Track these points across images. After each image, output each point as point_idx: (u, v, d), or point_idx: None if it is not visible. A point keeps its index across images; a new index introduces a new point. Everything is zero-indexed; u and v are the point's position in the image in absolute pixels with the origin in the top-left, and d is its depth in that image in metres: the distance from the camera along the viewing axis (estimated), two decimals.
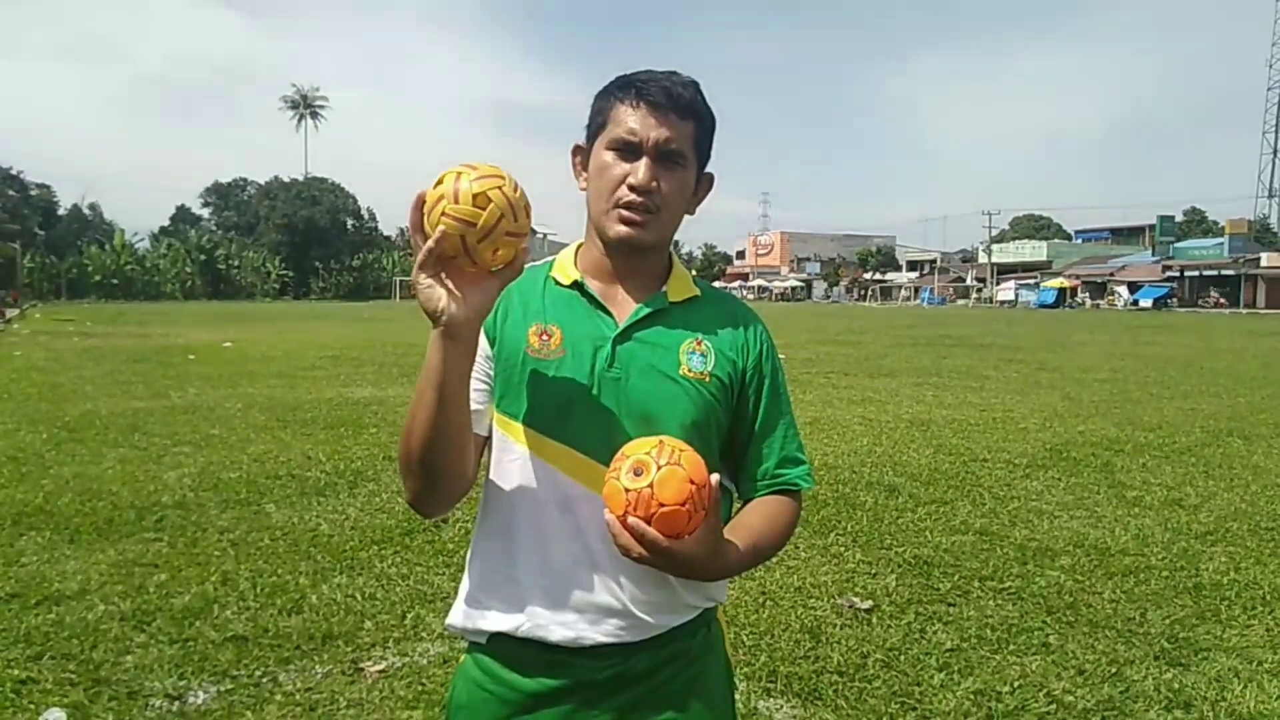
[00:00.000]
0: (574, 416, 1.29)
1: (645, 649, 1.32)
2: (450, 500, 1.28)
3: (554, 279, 1.38)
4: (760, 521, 1.34)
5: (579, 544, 1.28)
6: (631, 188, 1.27)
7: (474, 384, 1.29)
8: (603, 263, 1.36)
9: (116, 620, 3.71)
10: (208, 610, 3.83)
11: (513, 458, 1.31)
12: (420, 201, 1.14)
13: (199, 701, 3.06)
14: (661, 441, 1.16)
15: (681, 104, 1.29)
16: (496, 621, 1.32)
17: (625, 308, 1.35)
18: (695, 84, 1.32)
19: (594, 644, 1.29)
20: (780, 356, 1.47)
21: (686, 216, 1.39)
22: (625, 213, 1.29)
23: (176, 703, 3.05)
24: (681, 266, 1.43)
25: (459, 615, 1.37)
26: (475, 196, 1.10)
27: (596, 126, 1.33)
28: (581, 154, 1.37)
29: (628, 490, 1.12)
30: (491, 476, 1.34)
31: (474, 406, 1.29)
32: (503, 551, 1.32)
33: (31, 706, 2.99)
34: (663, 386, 1.30)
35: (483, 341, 1.32)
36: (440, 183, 1.13)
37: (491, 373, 1.33)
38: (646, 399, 1.30)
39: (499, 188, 1.12)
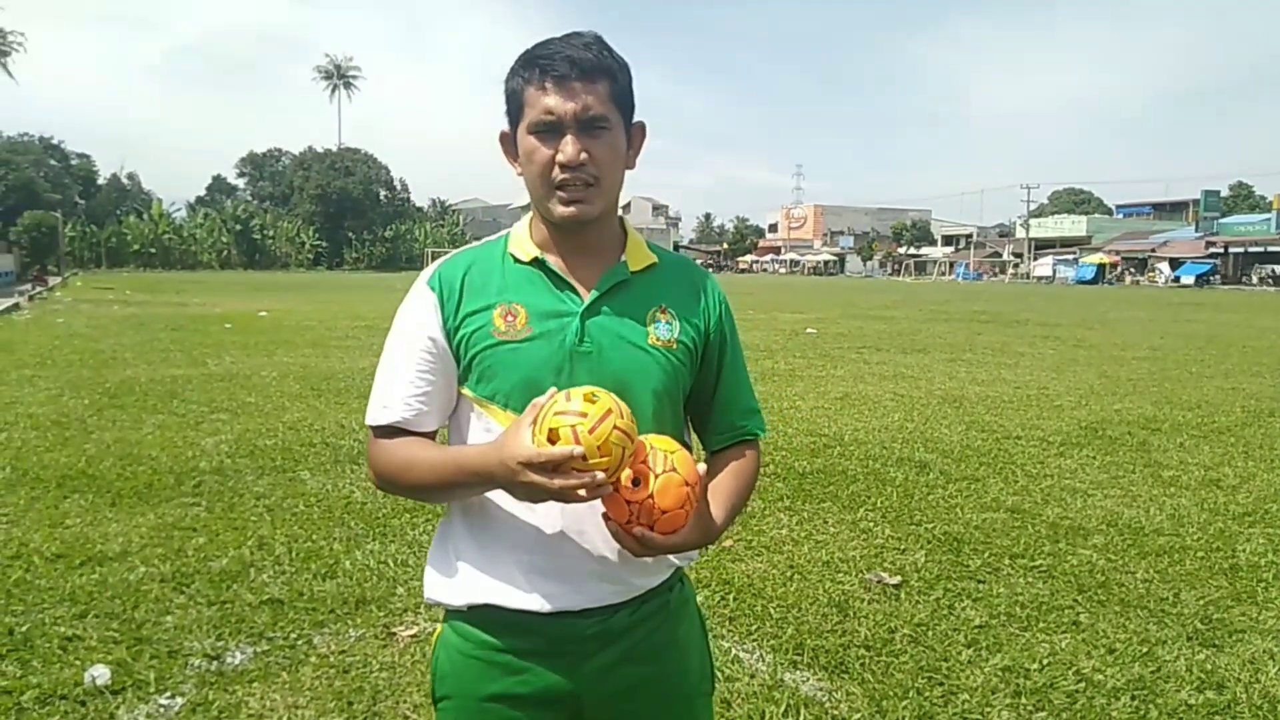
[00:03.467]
0: None
1: (626, 607, 1.38)
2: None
3: (512, 255, 1.38)
4: (733, 481, 1.42)
5: (566, 517, 1.31)
6: (563, 166, 1.27)
7: (419, 384, 1.34)
8: (556, 239, 1.37)
9: (157, 581, 3.81)
10: (245, 573, 3.92)
11: (493, 438, 1.31)
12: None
13: (236, 662, 3.14)
14: (651, 446, 1.21)
15: (587, 68, 1.27)
16: (483, 594, 1.34)
17: (587, 281, 1.36)
18: (598, 40, 1.31)
19: (579, 609, 1.34)
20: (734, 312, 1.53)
21: (628, 172, 1.38)
22: (563, 192, 1.29)
23: (215, 662, 3.13)
24: (635, 232, 1.44)
25: (441, 589, 1.39)
26: (603, 444, 1.12)
27: (514, 111, 1.32)
28: (508, 141, 1.37)
29: (629, 503, 1.18)
30: None
31: (422, 409, 1.34)
32: (484, 526, 1.35)
33: (77, 663, 3.09)
34: (634, 357, 1.34)
35: (428, 340, 1.34)
36: (593, 400, 1.14)
37: (441, 368, 1.35)
38: (619, 370, 1.32)
39: (624, 448, 1.14)
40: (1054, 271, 67.38)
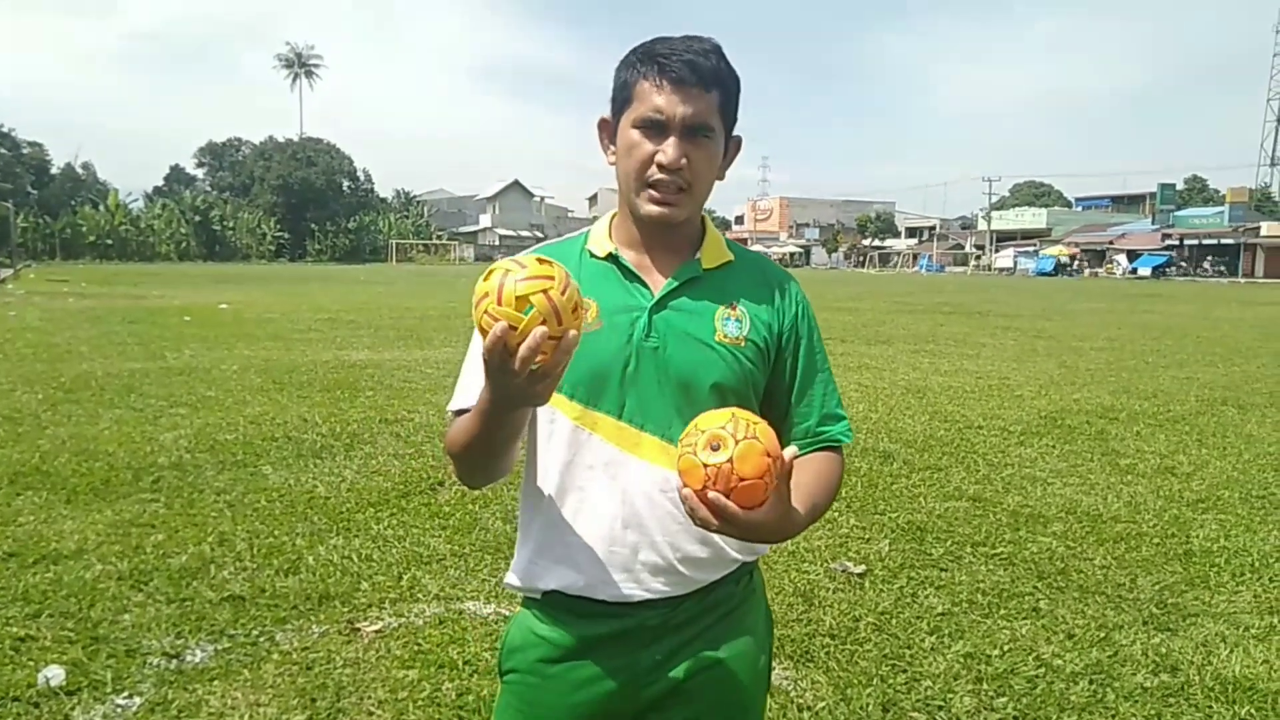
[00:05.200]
0: (614, 386, 1.32)
1: (691, 598, 1.38)
2: (497, 479, 1.35)
3: (589, 251, 1.41)
4: (812, 480, 1.35)
5: (625, 508, 1.33)
6: (661, 166, 1.28)
7: None
8: (636, 234, 1.39)
9: (114, 579, 3.74)
10: (205, 570, 3.86)
11: (559, 427, 1.35)
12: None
13: (196, 660, 3.09)
14: (734, 415, 1.17)
15: (705, 75, 1.28)
16: (550, 581, 1.38)
17: (660, 277, 1.37)
18: (717, 49, 1.31)
19: (642, 600, 1.35)
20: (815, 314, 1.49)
21: (716, 181, 1.39)
22: (656, 192, 1.31)
23: (174, 661, 3.08)
24: (715, 231, 1.44)
25: (517, 576, 1.43)
26: (518, 299, 1.07)
27: (621, 101, 1.33)
28: (608, 128, 1.38)
29: (706, 465, 1.13)
30: (539, 445, 1.38)
31: None
32: (553, 516, 1.37)
33: (30, 664, 3.02)
34: (699, 353, 1.34)
35: None
36: (488, 277, 1.10)
37: None
38: (683, 366, 1.33)
39: (544, 290, 1.08)
40: (1015, 263, 68.38)
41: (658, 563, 1.34)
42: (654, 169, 1.29)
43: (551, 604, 1.39)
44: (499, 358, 1.06)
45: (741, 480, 1.13)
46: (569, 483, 1.35)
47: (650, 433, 1.32)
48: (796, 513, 1.25)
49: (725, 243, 1.44)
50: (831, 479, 1.40)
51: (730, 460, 1.12)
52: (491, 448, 1.28)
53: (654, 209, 1.31)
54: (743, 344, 1.36)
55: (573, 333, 1.09)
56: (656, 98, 1.27)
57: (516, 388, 1.10)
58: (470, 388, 1.34)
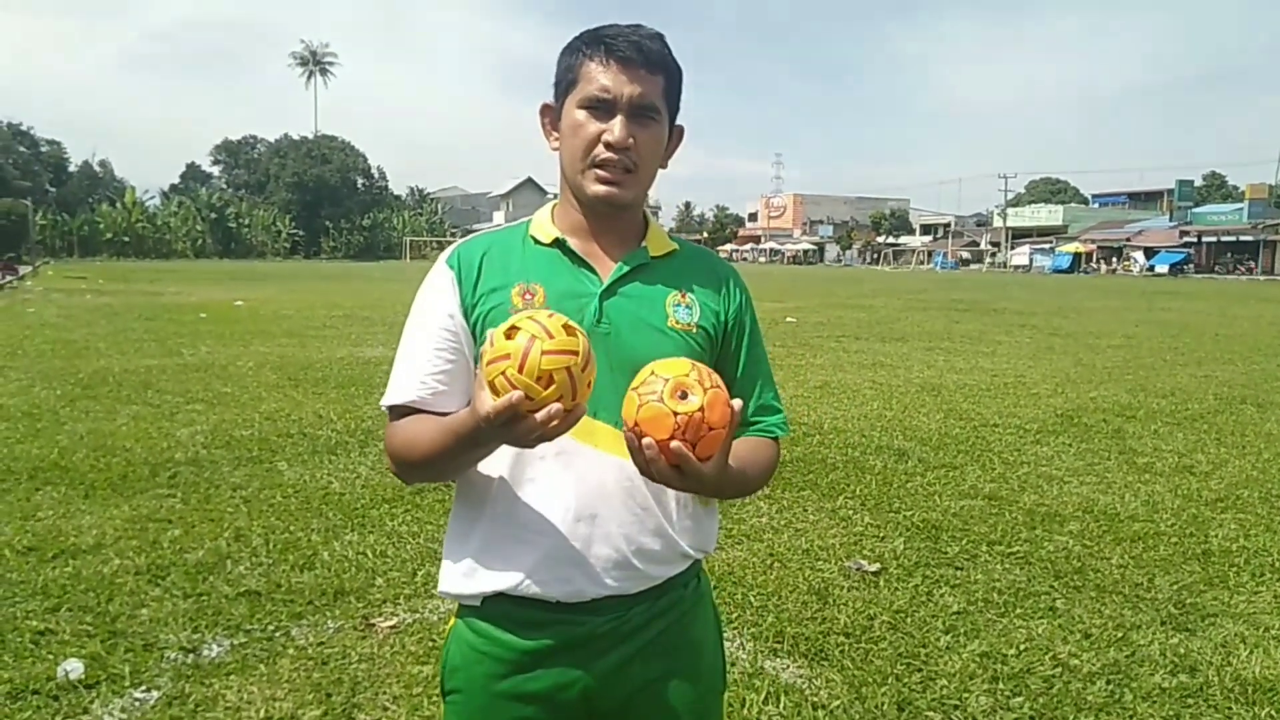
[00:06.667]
0: None
1: (642, 601, 1.35)
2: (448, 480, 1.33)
3: (533, 237, 1.38)
4: (748, 454, 1.35)
5: (579, 499, 1.29)
6: (608, 145, 1.27)
7: (436, 363, 1.30)
8: (581, 221, 1.37)
9: (132, 574, 3.77)
10: (221, 565, 3.88)
11: None
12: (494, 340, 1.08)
13: (213, 654, 3.11)
14: (694, 364, 1.15)
15: (652, 58, 1.28)
16: (496, 581, 1.31)
17: (607, 264, 1.36)
18: (661, 36, 1.32)
19: (594, 598, 1.31)
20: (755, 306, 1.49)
21: (660, 170, 1.38)
22: (602, 171, 1.29)
23: (191, 655, 3.10)
24: (656, 222, 1.44)
25: (454, 579, 1.36)
26: (541, 372, 1.04)
27: (566, 84, 1.32)
28: (550, 113, 1.37)
29: (676, 414, 1.09)
30: None
31: (439, 388, 1.30)
32: (501, 511, 1.32)
33: (50, 657, 3.05)
34: (652, 339, 1.32)
35: (446, 317, 1.32)
36: (512, 335, 1.06)
37: (458, 347, 1.32)
38: (637, 352, 1.29)
39: (567, 367, 1.05)
40: (1031, 260, 67.95)
41: (612, 556, 1.30)
42: (600, 149, 1.28)
43: (495, 613, 1.33)
44: (506, 418, 1.05)
45: (710, 429, 1.10)
46: (518, 475, 1.29)
47: (604, 420, 1.27)
48: (733, 470, 1.23)
49: (668, 235, 1.45)
50: (765, 461, 1.39)
51: (701, 409, 1.09)
52: (460, 466, 1.28)
53: (601, 188, 1.29)
54: (694, 330, 1.35)
55: (583, 406, 1.09)
56: (603, 78, 1.27)
57: (511, 440, 1.11)
58: (407, 384, 1.31)
